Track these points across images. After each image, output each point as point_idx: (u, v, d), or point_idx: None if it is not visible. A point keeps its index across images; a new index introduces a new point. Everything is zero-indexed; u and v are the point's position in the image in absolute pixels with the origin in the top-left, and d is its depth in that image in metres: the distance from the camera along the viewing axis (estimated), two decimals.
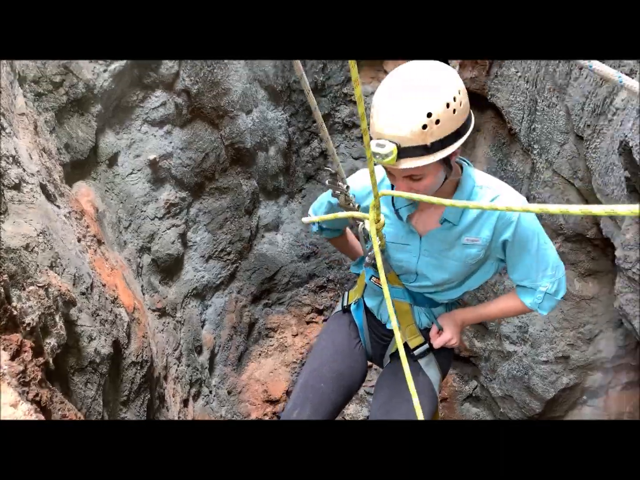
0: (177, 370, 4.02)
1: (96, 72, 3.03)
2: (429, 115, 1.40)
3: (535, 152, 3.92)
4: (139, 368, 2.70)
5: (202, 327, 4.57)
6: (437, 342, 1.95)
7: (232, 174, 4.42)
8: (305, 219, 1.77)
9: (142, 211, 3.72)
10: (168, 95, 3.65)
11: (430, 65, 1.46)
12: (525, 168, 4.09)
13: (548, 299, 1.86)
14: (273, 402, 5.14)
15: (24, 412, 0.81)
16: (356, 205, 1.71)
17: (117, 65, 3.12)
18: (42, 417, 0.89)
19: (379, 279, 1.83)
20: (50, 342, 1.73)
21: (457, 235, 1.76)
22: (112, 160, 3.47)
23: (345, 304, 2.25)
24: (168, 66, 3.52)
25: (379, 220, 1.57)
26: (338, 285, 5.41)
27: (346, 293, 2.28)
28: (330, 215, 1.70)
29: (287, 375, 5.23)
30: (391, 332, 2.06)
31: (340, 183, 1.65)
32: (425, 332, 2.06)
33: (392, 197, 1.77)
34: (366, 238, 1.75)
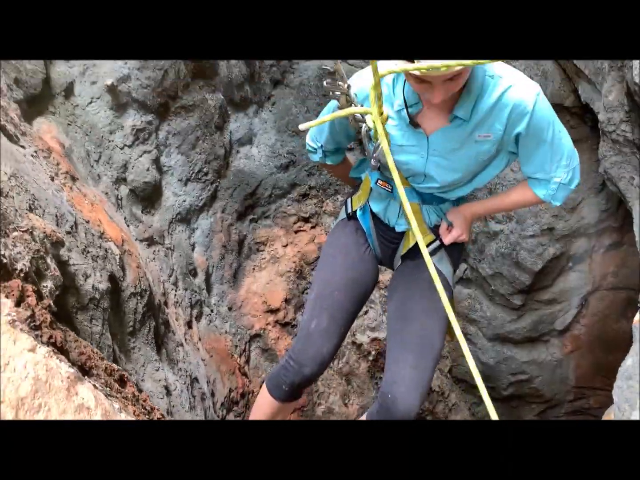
0: (175, 295, 4.05)
1: None
2: None
3: None
4: (139, 298, 2.71)
5: (193, 250, 4.56)
6: (448, 238, 1.93)
7: (195, 89, 4.22)
8: (302, 126, 1.48)
9: (109, 141, 3.57)
10: None
11: None
12: None
13: (562, 189, 1.82)
14: (273, 311, 5.27)
15: (43, 355, 0.79)
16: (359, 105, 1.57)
17: None
18: (62, 358, 0.87)
19: (385, 182, 1.84)
20: (47, 285, 1.69)
21: (468, 132, 1.68)
22: (68, 91, 3.27)
23: (349, 210, 2.16)
24: None
25: (382, 113, 1.34)
26: (321, 191, 5.38)
27: (349, 199, 2.17)
28: (328, 116, 1.51)
29: (284, 284, 5.32)
30: (400, 234, 2.03)
31: (340, 82, 1.51)
32: (434, 229, 2.03)
33: (398, 95, 1.63)
34: (369, 139, 1.63)
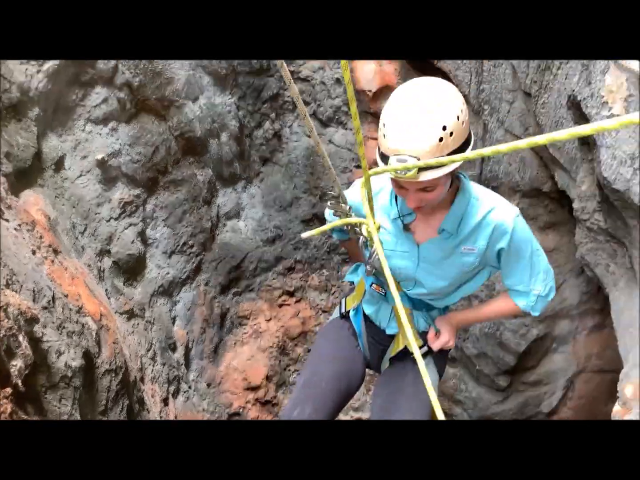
0: (153, 370, 3.96)
1: (29, 74, 2.87)
2: (444, 128, 1.45)
3: (485, 112, 3.95)
4: (113, 375, 2.64)
5: (173, 323, 4.50)
6: (436, 344, 1.99)
7: (185, 165, 4.32)
8: (304, 235, 1.69)
9: (96, 214, 3.60)
10: (109, 91, 3.51)
11: (435, 81, 1.54)
12: (478, 129, 4.12)
13: (541, 301, 1.95)
14: (254, 388, 5.14)
15: None
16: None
17: (50, 64, 2.96)
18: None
19: (378, 285, 1.97)
20: (17, 364, 1.65)
21: (455, 244, 1.81)
22: (59, 165, 3.33)
23: (343, 310, 2.26)
24: (105, 61, 3.37)
25: (373, 226, 1.53)
26: (306, 265, 5.40)
27: (343, 299, 2.29)
28: (327, 226, 1.71)
29: (265, 360, 5.23)
30: (390, 337, 2.12)
31: (342, 204, 1.69)
32: (422, 335, 2.09)
33: (395, 202, 1.82)
34: (365, 246, 1.77)
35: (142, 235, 4.02)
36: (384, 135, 1.50)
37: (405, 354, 2.09)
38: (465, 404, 6.06)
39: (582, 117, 2.35)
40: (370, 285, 2.04)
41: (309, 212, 5.20)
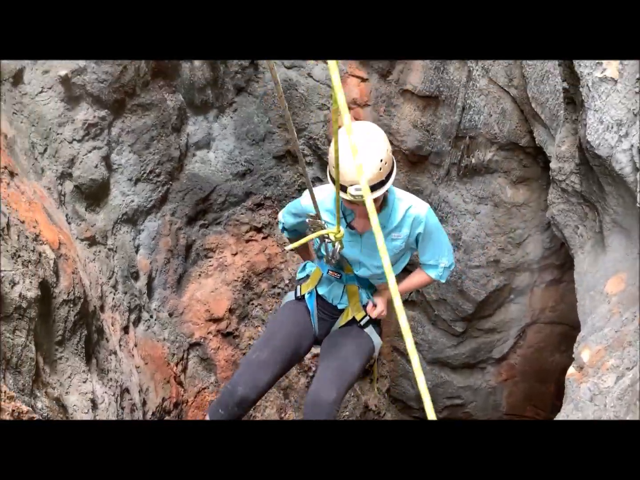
0: (113, 298, 3.90)
1: None
2: (381, 160, 2.11)
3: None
4: (71, 306, 2.57)
5: (137, 252, 4.41)
6: (374, 314, 2.58)
7: (155, 88, 4.09)
8: (287, 247, 2.60)
9: (58, 134, 3.40)
10: None
11: (368, 126, 2.19)
12: (462, 76, 4.00)
13: (446, 271, 2.61)
14: (216, 320, 5.16)
15: None
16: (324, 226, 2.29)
17: None
18: None
19: (334, 271, 2.55)
20: None
21: (386, 233, 2.37)
22: (17, 78, 3.09)
23: (299, 294, 2.74)
24: None
25: (340, 232, 2.25)
26: (276, 202, 5.31)
27: (298, 286, 2.77)
28: (307, 238, 2.36)
29: (229, 293, 5.22)
30: (339, 311, 2.68)
31: (318, 221, 2.24)
32: (363, 307, 2.65)
33: (339, 210, 2.20)
34: (331, 245, 2.34)
35: (106, 160, 3.85)
36: (341, 170, 1.86)
37: (349, 324, 2.66)
38: (420, 345, 6.25)
39: (572, 75, 2.27)
40: (327, 272, 2.59)
41: (282, 149, 5.07)
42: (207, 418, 2.49)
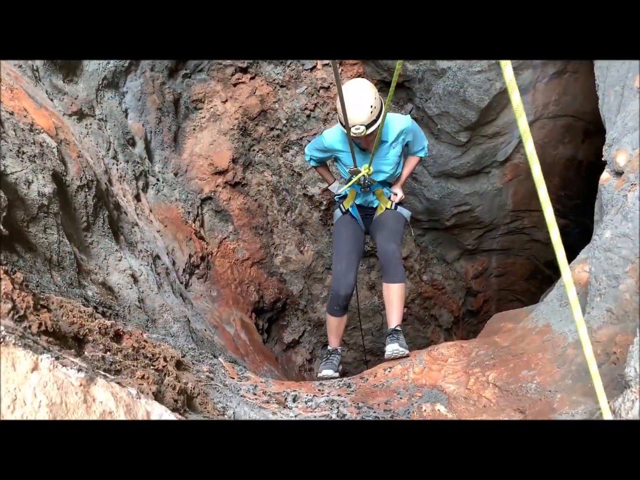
0: (117, 170, 3.82)
1: None
2: (371, 106, 2.92)
3: None
4: (87, 190, 2.52)
5: (127, 117, 4.22)
6: (397, 199, 3.55)
7: None
8: (331, 188, 3.84)
9: None
10: None
11: (358, 82, 3.06)
12: None
13: (426, 148, 3.59)
14: (221, 172, 5.13)
15: (48, 368, 0.70)
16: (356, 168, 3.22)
17: None
18: (67, 361, 0.78)
19: (365, 187, 3.35)
20: None
21: (388, 144, 3.25)
22: None
23: (344, 210, 3.58)
24: None
25: (370, 169, 3.21)
26: None
27: (340, 205, 3.61)
28: (350, 182, 3.36)
29: (228, 143, 5.11)
30: (374, 208, 3.57)
31: (358, 168, 3.20)
32: (388, 199, 3.56)
33: (351, 142, 3.01)
34: (359, 177, 3.26)
35: None
36: (346, 115, 2.64)
37: (382, 213, 3.54)
38: (425, 161, 6.27)
39: None
40: (361, 190, 3.41)
41: None
42: (327, 315, 3.49)
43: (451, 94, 5.11)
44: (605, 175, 1.85)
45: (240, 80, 5.02)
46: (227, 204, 5.23)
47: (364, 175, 3.19)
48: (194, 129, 4.99)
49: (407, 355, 2.56)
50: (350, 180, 3.30)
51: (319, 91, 5.16)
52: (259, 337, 5.26)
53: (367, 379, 1.84)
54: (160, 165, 4.65)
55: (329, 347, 3.51)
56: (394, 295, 3.15)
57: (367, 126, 2.91)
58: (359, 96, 2.88)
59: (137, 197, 4.05)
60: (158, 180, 4.48)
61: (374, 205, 3.54)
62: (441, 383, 1.70)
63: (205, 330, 3.64)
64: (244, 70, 5.01)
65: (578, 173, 6.43)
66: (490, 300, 9.53)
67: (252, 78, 5.06)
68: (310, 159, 3.63)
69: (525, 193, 7.07)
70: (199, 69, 4.85)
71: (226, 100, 5.04)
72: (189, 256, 4.52)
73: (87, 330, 0.98)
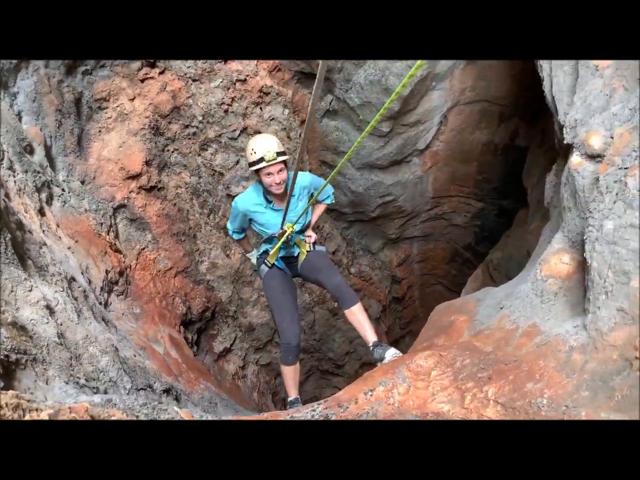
0: (15, 182, 3.32)
1: None
2: (278, 141, 3.33)
3: None
4: None
5: (21, 121, 3.70)
6: (312, 239, 3.80)
7: None
8: (249, 256, 4.14)
9: None
10: None
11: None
12: None
13: (331, 196, 3.91)
14: (134, 177, 4.68)
15: None
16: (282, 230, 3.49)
17: None
18: None
19: (286, 243, 3.62)
20: None
21: (296, 198, 3.47)
22: None
23: (269, 265, 3.74)
24: None
25: (292, 228, 3.44)
26: None
27: (265, 261, 3.76)
28: (277, 245, 3.59)
29: (140, 144, 4.67)
30: (296, 257, 3.81)
31: (282, 230, 3.47)
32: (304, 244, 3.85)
33: (264, 198, 3.50)
34: (286, 235, 3.48)
35: None
36: (256, 153, 3.23)
37: (306, 260, 3.75)
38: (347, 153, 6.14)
39: None
40: (284, 245, 3.65)
41: None
42: (282, 367, 3.68)
43: (372, 83, 4.98)
44: (576, 159, 1.74)
45: (148, 76, 4.59)
46: (143, 211, 4.79)
47: (289, 234, 3.47)
48: (99, 131, 4.50)
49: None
50: (276, 242, 3.58)
51: (235, 84, 4.85)
52: (189, 351, 4.89)
53: (347, 407, 1.62)
54: (64, 174, 4.15)
55: (289, 399, 3.77)
56: (358, 316, 3.40)
57: (278, 154, 3.20)
58: (267, 135, 3.47)
59: (41, 212, 3.55)
60: (63, 190, 3.98)
61: (296, 254, 3.84)
62: (432, 403, 1.52)
63: (134, 356, 3.26)
64: (152, 65, 4.60)
65: (495, 156, 6.58)
66: (413, 285, 9.66)
67: (161, 72, 4.65)
68: (233, 232, 3.90)
69: (445, 180, 7.16)
70: (101, 64, 4.37)
71: (134, 98, 4.59)
72: (105, 272, 4.07)
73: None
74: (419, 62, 1.42)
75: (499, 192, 7.10)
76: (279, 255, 3.77)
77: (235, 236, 3.91)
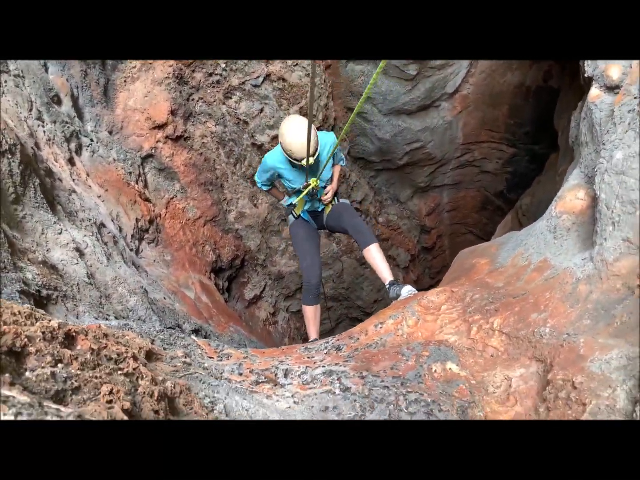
0: (44, 131, 3.42)
1: None
2: (316, 142, 3.34)
3: None
4: (9, 156, 2.17)
5: (47, 71, 3.76)
6: (330, 190, 3.81)
7: None
8: (282, 203, 4.23)
9: None
10: None
11: (304, 120, 3.37)
12: None
13: (343, 158, 4.06)
14: (160, 126, 4.73)
15: None
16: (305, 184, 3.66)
17: None
18: None
19: (311, 196, 3.79)
20: None
21: (320, 157, 3.51)
22: None
23: (295, 216, 3.97)
24: None
25: (316, 182, 3.60)
26: None
27: (292, 212, 3.99)
28: (301, 196, 3.74)
29: (165, 93, 4.69)
30: (321, 211, 3.97)
31: (307, 182, 3.59)
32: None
33: (291, 162, 3.49)
34: (310, 188, 3.64)
35: None
36: (292, 152, 3.31)
37: (331, 212, 3.93)
38: (374, 99, 6.03)
39: None
40: (309, 198, 3.84)
41: None
42: (303, 307, 3.87)
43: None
44: (595, 92, 1.69)
45: None
46: (170, 161, 4.86)
47: (313, 187, 3.62)
48: (124, 81, 4.54)
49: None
50: (301, 192, 3.71)
51: None
52: (220, 297, 5.04)
53: (358, 338, 1.68)
54: (92, 124, 4.23)
55: (310, 339, 3.83)
56: (374, 254, 3.56)
57: (313, 155, 3.32)
58: (303, 130, 3.19)
59: (71, 161, 3.66)
60: (92, 140, 4.07)
61: (320, 209, 4.00)
62: (439, 335, 1.55)
63: (164, 298, 3.39)
64: None
65: (527, 99, 6.36)
66: (443, 235, 9.61)
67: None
68: (262, 184, 4.00)
69: (475, 125, 6.99)
70: None
71: None
72: (135, 220, 4.20)
73: (26, 338, 0.74)
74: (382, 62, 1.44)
75: (531, 137, 6.90)
76: (305, 209, 3.96)
77: (264, 188, 4.03)
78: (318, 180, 3.59)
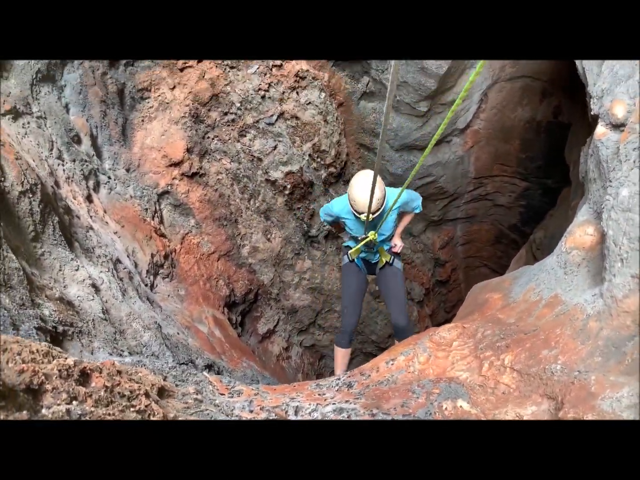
0: (64, 170, 3.52)
1: None
2: (379, 199, 3.32)
3: None
4: (30, 195, 2.25)
5: (68, 112, 3.89)
6: (398, 249, 4.03)
7: None
8: (343, 235, 4.30)
9: None
10: None
11: (369, 173, 3.41)
12: None
13: (420, 206, 3.94)
14: (176, 164, 4.84)
15: None
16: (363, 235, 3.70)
17: None
18: None
19: (369, 247, 3.86)
20: None
21: (385, 214, 3.44)
22: None
23: (350, 259, 4.12)
24: None
25: (375, 236, 3.59)
26: None
27: (347, 254, 4.13)
28: (359, 245, 3.79)
29: (181, 132, 4.82)
30: (375, 263, 4.10)
31: (366, 235, 3.65)
32: (389, 252, 4.06)
33: (354, 214, 3.51)
34: (366, 241, 3.69)
35: None
36: (356, 208, 3.36)
37: (384, 266, 4.07)
38: (386, 135, 6.12)
39: None
40: (365, 249, 3.92)
41: None
42: (335, 348, 4.16)
43: (409, 63, 4.94)
44: (601, 130, 1.72)
45: (187, 65, 4.72)
46: (186, 197, 4.95)
47: (370, 240, 3.68)
48: (142, 120, 4.68)
49: None
50: (359, 242, 3.81)
51: (271, 70, 4.91)
52: (233, 332, 5.05)
53: (369, 375, 1.68)
54: (110, 162, 4.34)
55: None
56: (401, 336, 3.70)
57: (373, 213, 3.36)
58: (368, 190, 3.10)
59: (89, 198, 3.75)
60: (109, 178, 4.17)
61: (374, 261, 4.16)
62: (451, 371, 1.55)
63: (178, 333, 3.42)
64: None
65: (538, 134, 6.41)
66: (457, 268, 9.56)
67: (199, 61, 4.76)
68: (326, 222, 4.20)
69: (487, 159, 7.03)
70: None
71: (174, 87, 4.73)
72: (151, 256, 4.26)
73: (43, 376, 0.77)
74: (481, 62, 1.44)
75: (543, 171, 6.92)
76: (360, 256, 4.09)
77: (327, 224, 4.37)
78: (376, 234, 3.60)
